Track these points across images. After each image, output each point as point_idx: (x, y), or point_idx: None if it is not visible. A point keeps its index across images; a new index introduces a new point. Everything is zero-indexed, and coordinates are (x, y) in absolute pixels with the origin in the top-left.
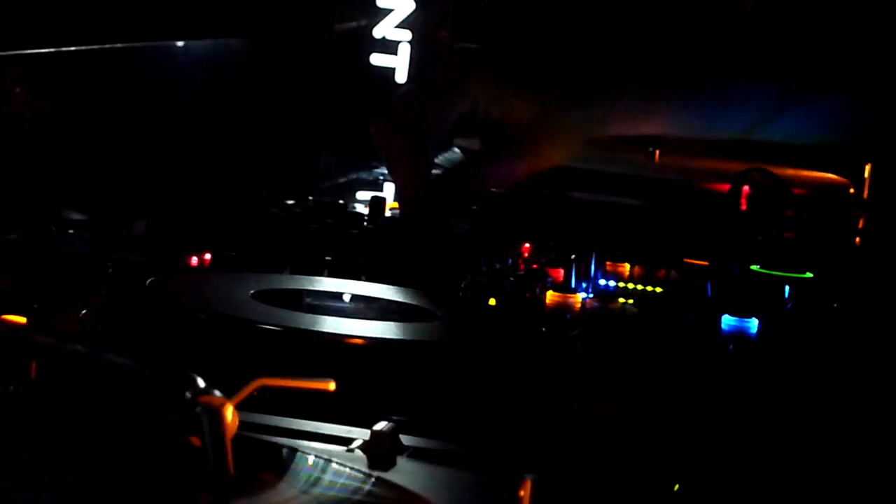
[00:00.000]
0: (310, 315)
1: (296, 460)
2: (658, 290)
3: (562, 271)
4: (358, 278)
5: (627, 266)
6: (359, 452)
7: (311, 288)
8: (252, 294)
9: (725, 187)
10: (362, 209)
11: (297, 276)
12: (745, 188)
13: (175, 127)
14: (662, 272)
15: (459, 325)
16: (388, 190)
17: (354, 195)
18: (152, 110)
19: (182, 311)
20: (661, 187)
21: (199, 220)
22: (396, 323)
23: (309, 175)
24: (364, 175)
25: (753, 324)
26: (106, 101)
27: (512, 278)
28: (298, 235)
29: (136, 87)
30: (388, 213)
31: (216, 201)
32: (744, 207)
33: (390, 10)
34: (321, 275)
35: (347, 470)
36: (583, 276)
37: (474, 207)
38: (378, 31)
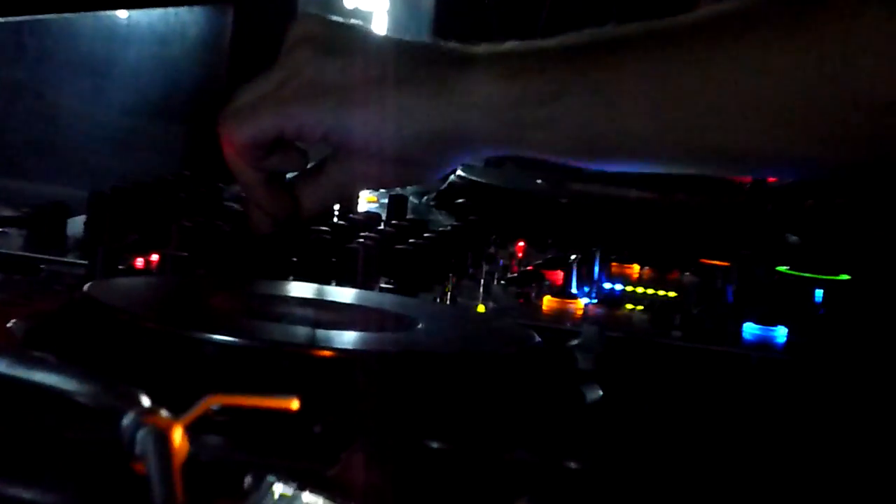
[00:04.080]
0: (272, 324)
1: (262, 487)
2: (671, 294)
3: (561, 273)
4: (327, 282)
5: (636, 267)
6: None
7: (273, 293)
8: (204, 300)
9: (749, 179)
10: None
11: (259, 281)
12: (772, 179)
13: (119, 106)
14: (676, 274)
15: (441, 336)
16: None
17: None
18: (92, 88)
19: (125, 320)
20: (674, 177)
21: (146, 215)
22: (370, 332)
23: None
24: None
25: (781, 333)
26: (36, 76)
27: (503, 281)
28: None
29: (74, 62)
30: (367, 207)
31: (166, 193)
32: (769, 200)
33: None
34: (285, 279)
35: (321, 501)
36: (585, 278)
37: (460, 200)
38: (350, 1)
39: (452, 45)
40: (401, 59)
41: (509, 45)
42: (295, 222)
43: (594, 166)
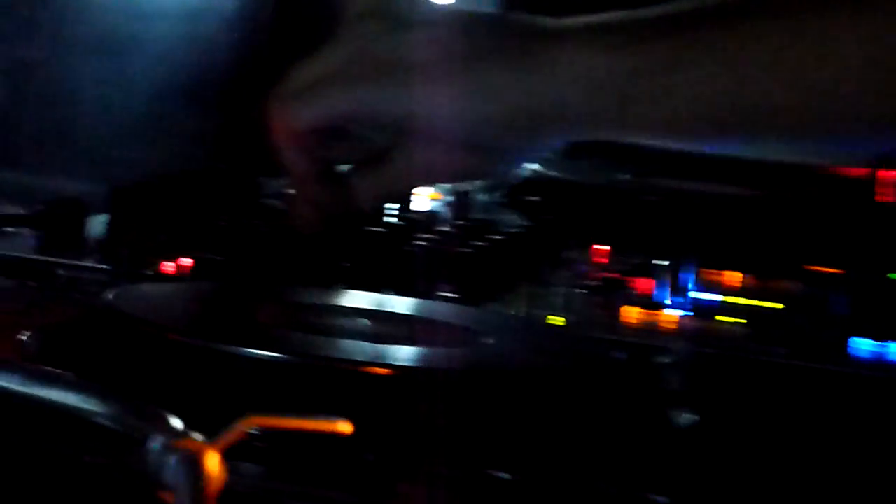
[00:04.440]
0: (318, 337)
1: None
2: (774, 305)
3: (648, 281)
4: (380, 290)
5: (734, 274)
6: None
7: (319, 302)
8: (241, 310)
9: (863, 171)
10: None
11: (303, 288)
12: (889, 173)
13: (145, 90)
14: (780, 282)
15: (510, 352)
16: None
17: None
18: (114, 70)
19: (152, 333)
20: (777, 171)
21: (175, 213)
22: (429, 347)
23: None
24: None
25: None
26: (50, 56)
27: (582, 290)
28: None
29: (93, 40)
30: (430, 205)
31: (197, 189)
32: (886, 197)
33: None
34: (333, 286)
35: None
36: (675, 287)
37: (533, 198)
38: None
39: (534, 16)
40: (482, 31)
41: (603, 16)
42: (348, 220)
43: (709, 144)
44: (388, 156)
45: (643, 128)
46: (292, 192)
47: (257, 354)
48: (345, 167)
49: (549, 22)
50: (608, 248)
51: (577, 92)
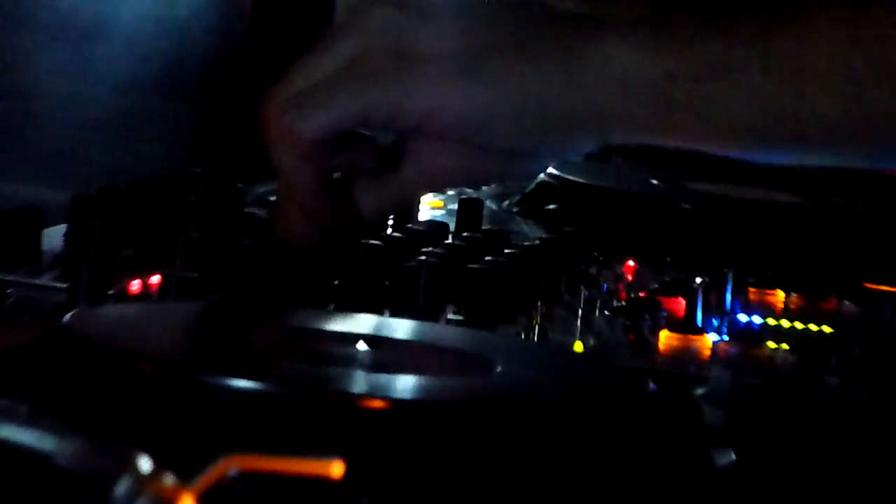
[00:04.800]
0: (307, 365)
1: None
2: (826, 329)
3: (682, 301)
4: (378, 311)
5: (781, 294)
6: None
7: (308, 325)
8: (219, 334)
9: None
10: None
11: (290, 309)
12: None
13: (111, 83)
14: (833, 303)
15: (525, 382)
16: None
17: None
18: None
19: (118, 360)
20: (831, 176)
21: (144, 224)
22: (434, 377)
23: None
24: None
25: None
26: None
27: (608, 311)
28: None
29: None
30: (431, 215)
31: (170, 196)
32: None
33: None
34: (324, 307)
35: None
36: (714, 308)
37: (552, 206)
38: None
39: (569, 4)
40: (511, 20)
41: (642, 10)
42: (348, 233)
43: (753, 156)
44: (397, 160)
45: (680, 137)
46: (284, 201)
47: (238, 385)
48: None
49: (588, 12)
50: (637, 263)
51: (610, 93)
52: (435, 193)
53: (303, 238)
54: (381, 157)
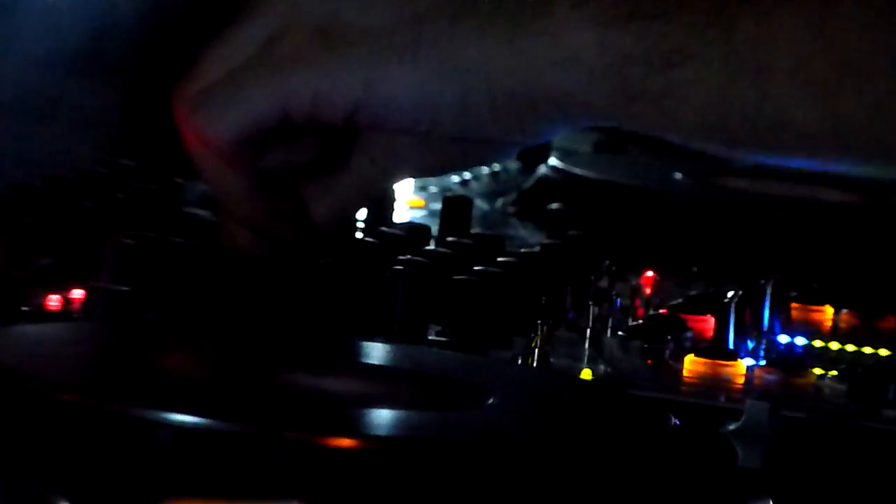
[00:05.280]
0: (260, 396)
1: None
2: (883, 352)
3: (711, 320)
4: (346, 332)
5: (829, 311)
6: None
7: (262, 349)
8: (155, 359)
9: None
10: None
11: (239, 329)
12: None
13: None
14: (891, 322)
15: (524, 416)
16: None
17: None
18: None
19: (33, 390)
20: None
21: (65, 227)
22: (413, 410)
23: None
24: None
25: None
26: None
27: (622, 332)
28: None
29: None
30: (410, 216)
31: (95, 194)
32: None
33: None
34: (280, 326)
35: None
36: (749, 328)
37: (555, 205)
38: None
39: None
40: None
41: None
42: (299, 242)
43: (720, 153)
44: (345, 152)
45: (640, 125)
46: (221, 210)
47: (180, 420)
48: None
49: None
50: (657, 274)
51: (563, 73)
52: (412, 192)
53: (247, 250)
54: (323, 150)
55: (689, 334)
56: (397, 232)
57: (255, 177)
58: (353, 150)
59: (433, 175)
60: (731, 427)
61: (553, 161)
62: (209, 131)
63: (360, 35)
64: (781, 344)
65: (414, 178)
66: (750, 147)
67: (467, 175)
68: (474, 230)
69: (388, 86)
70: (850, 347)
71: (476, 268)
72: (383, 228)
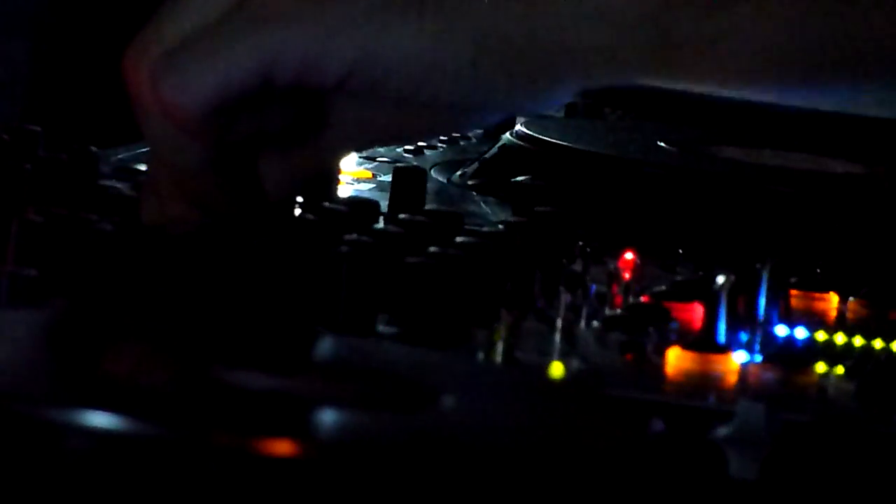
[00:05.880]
0: (191, 397)
1: None
2: (892, 345)
3: (700, 309)
4: (284, 322)
5: (834, 299)
6: None
7: (188, 341)
8: (68, 352)
9: None
10: None
11: (163, 319)
12: None
13: None
14: None
15: (485, 419)
16: None
17: None
18: None
19: None
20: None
21: None
22: (358, 412)
23: None
24: None
25: None
26: None
27: (597, 322)
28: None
29: None
30: (355, 190)
31: None
32: None
33: None
34: (208, 315)
35: None
36: (743, 318)
37: (520, 179)
38: None
39: None
40: None
41: None
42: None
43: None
44: (315, 120)
45: (678, 78)
46: (157, 180)
47: (95, 423)
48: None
49: None
50: (638, 256)
51: (590, 27)
52: (358, 162)
53: (180, 225)
54: (292, 118)
55: (674, 325)
56: (341, 208)
57: (215, 149)
58: (323, 116)
59: (402, 144)
60: (723, 431)
61: (519, 127)
62: (176, 99)
63: None
64: (780, 336)
65: (382, 146)
66: (823, 80)
67: (421, 142)
68: (429, 206)
69: (389, 48)
70: (859, 341)
71: (431, 249)
72: (325, 204)
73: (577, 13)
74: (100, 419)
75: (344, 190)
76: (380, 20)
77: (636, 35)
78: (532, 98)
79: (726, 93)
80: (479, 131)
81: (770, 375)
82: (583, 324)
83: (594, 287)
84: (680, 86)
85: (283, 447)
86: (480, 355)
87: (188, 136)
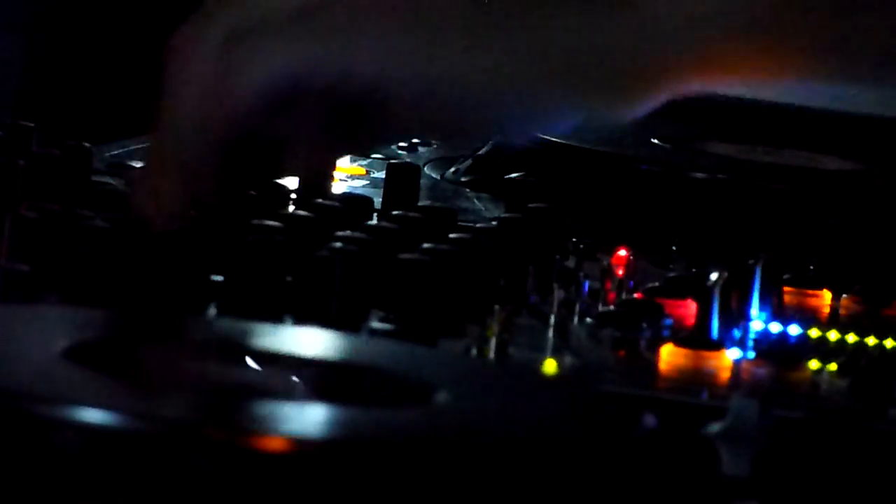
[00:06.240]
0: (179, 392)
1: None
2: (889, 343)
3: (693, 305)
4: (277, 318)
5: (827, 296)
6: None
7: (182, 337)
8: (59, 348)
9: None
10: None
11: (156, 314)
12: None
13: None
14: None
15: (479, 414)
16: None
17: None
18: None
19: None
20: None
21: None
22: (352, 408)
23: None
24: None
25: None
26: None
27: (590, 319)
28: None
29: None
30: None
31: None
32: None
33: None
34: (202, 311)
35: None
36: (736, 314)
37: (514, 175)
38: None
39: None
40: None
41: None
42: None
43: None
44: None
45: (781, 78)
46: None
47: (86, 418)
48: None
49: None
50: (632, 252)
51: (691, 37)
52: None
53: (169, 220)
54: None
55: (667, 321)
56: (335, 204)
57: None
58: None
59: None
60: (715, 428)
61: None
62: (242, 75)
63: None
64: (773, 333)
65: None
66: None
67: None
68: (423, 202)
69: (480, 70)
70: (852, 337)
71: (425, 245)
72: (319, 200)
73: (670, 24)
74: (89, 414)
75: (338, 186)
76: (473, 36)
77: (746, 41)
78: (620, 108)
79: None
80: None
81: (763, 371)
82: (576, 320)
83: (587, 283)
84: (770, 84)
85: (274, 443)
86: (473, 351)
87: (222, 121)
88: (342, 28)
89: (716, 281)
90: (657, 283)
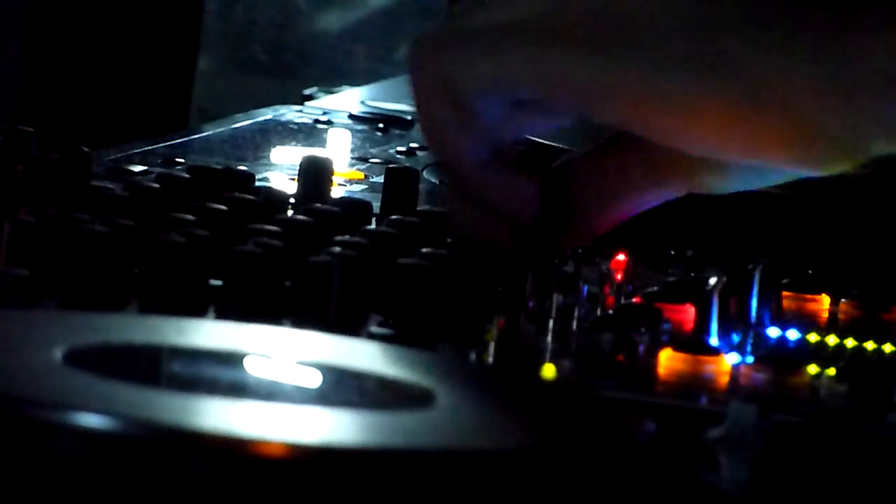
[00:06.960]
0: (176, 396)
1: None
2: (888, 348)
3: (692, 310)
4: (276, 322)
5: (826, 300)
6: None
7: (179, 341)
8: (57, 353)
9: None
10: (285, 181)
11: (153, 318)
12: None
13: None
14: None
15: (477, 420)
16: (338, 141)
17: (268, 153)
18: None
19: None
20: None
21: None
22: (351, 413)
23: (177, 111)
24: (289, 113)
25: None
26: None
27: (589, 323)
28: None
29: None
30: (343, 191)
31: None
32: None
33: None
34: (201, 314)
35: None
36: (734, 319)
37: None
38: None
39: None
40: None
41: None
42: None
43: None
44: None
45: None
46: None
47: (80, 422)
48: None
49: None
50: (630, 257)
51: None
52: (352, 159)
53: (497, 242)
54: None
55: (666, 326)
56: (333, 209)
57: (487, 148)
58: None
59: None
60: (714, 433)
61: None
62: (455, 72)
63: (646, 33)
64: (772, 338)
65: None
66: None
67: (413, 143)
68: (422, 207)
69: (662, 101)
70: (851, 342)
71: (423, 250)
72: (317, 205)
73: (874, 83)
74: (86, 419)
75: (336, 191)
76: (664, 67)
77: None
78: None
79: None
80: None
81: (762, 376)
82: (574, 324)
83: (586, 288)
84: None
85: (273, 449)
86: (472, 355)
87: (458, 123)
88: (573, 45)
89: (714, 285)
90: (656, 288)
